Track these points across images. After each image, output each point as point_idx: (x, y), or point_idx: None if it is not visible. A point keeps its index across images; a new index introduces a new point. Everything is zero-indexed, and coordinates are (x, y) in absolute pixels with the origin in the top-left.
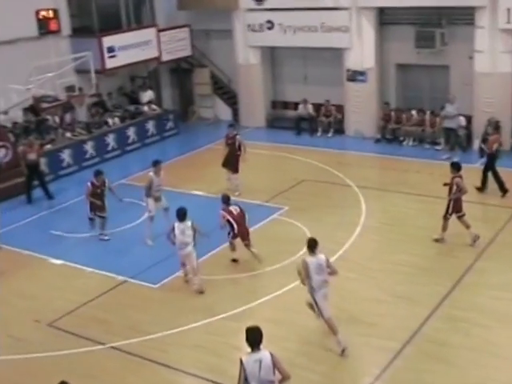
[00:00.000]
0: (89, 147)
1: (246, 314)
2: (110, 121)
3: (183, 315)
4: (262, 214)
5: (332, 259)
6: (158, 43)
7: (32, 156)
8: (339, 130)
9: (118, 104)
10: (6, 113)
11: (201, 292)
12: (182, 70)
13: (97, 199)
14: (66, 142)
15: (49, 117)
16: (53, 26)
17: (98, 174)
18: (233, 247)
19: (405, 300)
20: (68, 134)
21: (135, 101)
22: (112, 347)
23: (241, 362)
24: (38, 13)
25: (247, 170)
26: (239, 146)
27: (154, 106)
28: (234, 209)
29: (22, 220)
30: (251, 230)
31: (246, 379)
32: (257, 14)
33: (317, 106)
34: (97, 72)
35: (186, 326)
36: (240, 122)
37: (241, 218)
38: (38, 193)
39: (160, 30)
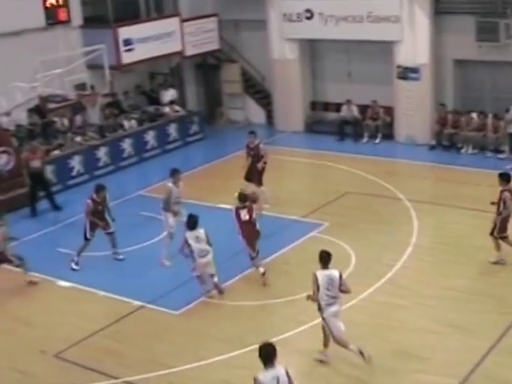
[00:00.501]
0: (102, 154)
1: (279, 346)
2: (126, 124)
3: (208, 346)
4: (299, 231)
5: (379, 283)
6: (182, 35)
7: (36, 163)
8: (388, 135)
9: (136, 104)
10: (8, 114)
11: (221, 292)
12: (208, 66)
13: (98, 218)
14: (75, 148)
15: (56, 119)
16: (62, 15)
17: (100, 189)
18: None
19: (461, 330)
20: (78, 139)
21: (155, 101)
22: (126, 382)
23: (256, 380)
24: (44, 0)
25: (282, 180)
26: (262, 156)
27: (176, 107)
28: (243, 214)
29: (25, 236)
30: (286, 248)
31: None
32: (294, 2)
33: (362, 108)
34: (111, 68)
35: (210, 358)
36: (275, 125)
37: (248, 228)
38: (44, 205)
39: (184, 20)
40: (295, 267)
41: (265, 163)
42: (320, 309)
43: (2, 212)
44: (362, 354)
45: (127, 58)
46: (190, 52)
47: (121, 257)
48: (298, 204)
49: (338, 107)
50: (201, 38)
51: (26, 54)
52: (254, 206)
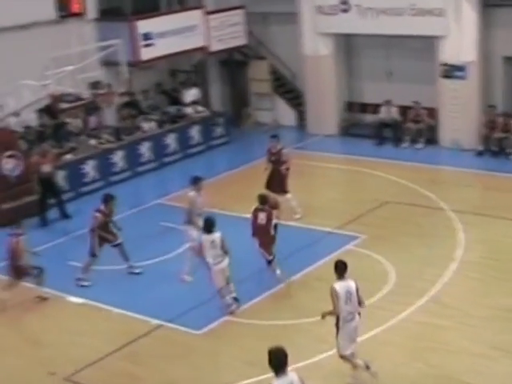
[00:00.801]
0: (118, 158)
1: (310, 368)
2: (144, 125)
3: (232, 369)
4: (333, 244)
5: (420, 301)
6: (206, 29)
7: (46, 168)
8: (431, 139)
9: (155, 105)
10: (16, 114)
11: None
12: (234, 63)
13: (106, 232)
14: (89, 152)
15: (69, 120)
16: (75, 7)
17: (109, 199)
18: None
19: (510, 355)
20: (92, 142)
21: (176, 101)
22: None
23: None
24: None
25: (314, 188)
26: (284, 162)
27: (199, 108)
28: (261, 218)
29: (34, 248)
30: (318, 263)
31: None
32: None
33: (403, 109)
34: (129, 65)
35: (235, 382)
36: (306, 128)
37: (262, 233)
38: (53, 214)
39: (208, 13)
40: (329, 284)
41: (287, 169)
42: (338, 324)
43: (19, 220)
44: (366, 365)
45: (146, 54)
46: (214, 47)
47: (137, 270)
48: (331, 214)
49: (375, 108)
50: (226, 32)
51: (35, 49)
52: (274, 211)
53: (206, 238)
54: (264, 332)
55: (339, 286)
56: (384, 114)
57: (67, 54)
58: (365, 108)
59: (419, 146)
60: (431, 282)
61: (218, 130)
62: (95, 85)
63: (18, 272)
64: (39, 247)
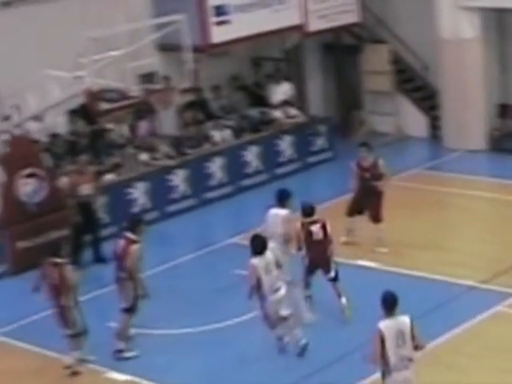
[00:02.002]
0: (179, 180)
1: None
2: (215, 134)
3: None
4: (476, 304)
5: None
6: (303, 1)
7: (86, 189)
8: None
9: (231, 106)
10: (39, 118)
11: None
12: (342, 49)
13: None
14: (139, 171)
15: (112, 126)
16: None
17: (138, 223)
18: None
19: None
20: (144, 157)
21: (260, 101)
22: None
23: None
24: None
25: (450, 224)
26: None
27: (292, 111)
28: (316, 231)
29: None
30: (456, 330)
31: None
32: None
33: None
34: (195, 50)
35: None
36: (442, 140)
37: (319, 250)
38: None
39: None
40: (472, 360)
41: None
42: (384, 376)
43: (64, 246)
44: None
45: (219, 36)
46: (314, 27)
47: (129, 354)
48: (476, 262)
49: None
50: (332, 5)
51: (67, 27)
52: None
53: (259, 263)
54: None
55: (385, 324)
56: None
57: (111, 35)
58: None
59: None
60: None
61: (319, 143)
62: (148, 77)
63: (63, 317)
64: None
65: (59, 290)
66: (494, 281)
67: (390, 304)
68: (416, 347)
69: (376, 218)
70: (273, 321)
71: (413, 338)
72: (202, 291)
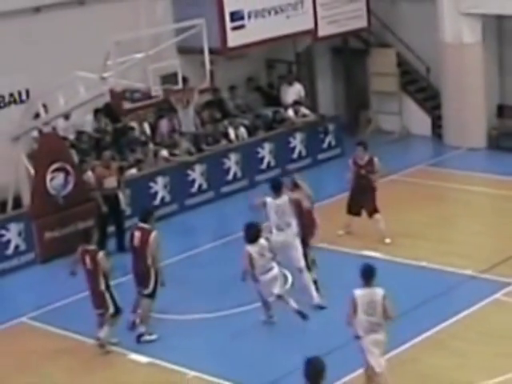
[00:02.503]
0: (197, 175)
1: None
2: (231, 132)
3: None
4: (476, 293)
5: None
6: (314, 7)
7: (111, 182)
8: None
9: (247, 105)
10: (66, 117)
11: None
12: (350, 52)
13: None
14: (160, 166)
15: (134, 124)
16: None
17: (150, 214)
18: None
19: None
20: (164, 153)
21: (273, 101)
22: None
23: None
24: None
25: (452, 218)
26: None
27: (303, 110)
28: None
29: (86, 290)
30: (456, 317)
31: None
32: None
33: None
34: (213, 52)
35: None
36: (444, 138)
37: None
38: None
39: None
40: (470, 344)
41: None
42: (358, 337)
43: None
44: None
45: (235, 39)
46: (324, 31)
47: (150, 337)
48: (475, 253)
49: None
50: (341, 11)
51: (93, 31)
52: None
53: (253, 248)
54: None
55: (359, 293)
56: None
57: (134, 39)
58: None
59: None
60: None
61: (328, 140)
62: (169, 78)
63: (97, 299)
64: None
65: (92, 274)
66: (492, 271)
67: (367, 275)
68: (386, 317)
69: (372, 213)
70: (266, 301)
71: (384, 309)
72: (219, 279)
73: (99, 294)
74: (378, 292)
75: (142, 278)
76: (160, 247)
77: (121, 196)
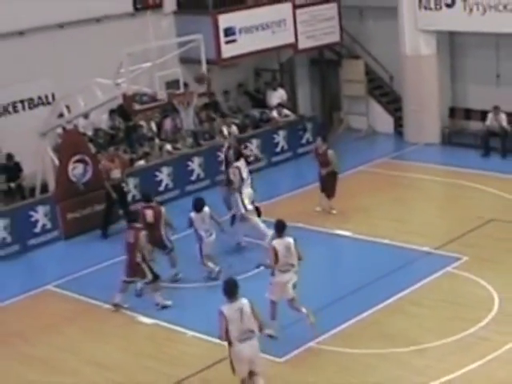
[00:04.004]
0: (195, 165)
1: None
2: (224, 129)
3: None
4: (431, 266)
5: None
6: (295, 24)
7: (116, 173)
8: None
9: (237, 107)
10: (86, 116)
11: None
12: (325, 62)
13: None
14: (164, 158)
15: (143, 122)
16: None
17: (150, 195)
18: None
19: None
20: (168, 147)
21: (260, 103)
22: None
23: (221, 313)
24: None
25: (411, 203)
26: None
27: (285, 111)
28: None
29: (102, 262)
30: (415, 287)
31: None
32: None
33: None
34: (209, 62)
35: None
36: (404, 135)
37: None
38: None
39: (297, 6)
40: (426, 309)
41: (334, 174)
42: (273, 274)
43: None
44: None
45: (228, 51)
46: (303, 45)
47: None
48: (430, 233)
49: (482, 115)
50: (317, 27)
51: (109, 44)
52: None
53: (196, 216)
54: (354, 362)
55: (278, 243)
56: (491, 121)
57: (143, 50)
58: (470, 115)
59: None
60: None
61: (306, 137)
62: (172, 84)
63: (135, 270)
64: (106, 262)
65: (133, 247)
66: (444, 248)
67: (280, 228)
68: (299, 258)
69: (330, 196)
70: (205, 256)
71: (297, 252)
72: (220, 252)
73: (136, 265)
74: (290, 240)
75: (160, 244)
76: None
77: (124, 185)
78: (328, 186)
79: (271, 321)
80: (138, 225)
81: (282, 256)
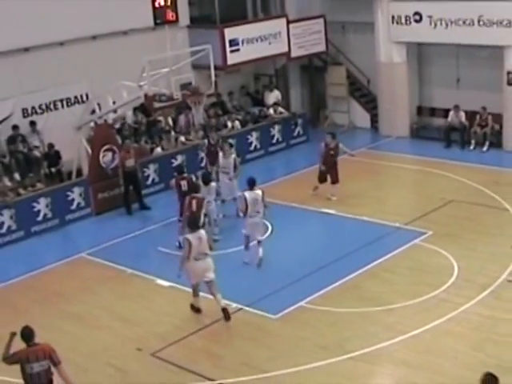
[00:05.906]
0: (204, 154)
1: (377, 355)
2: (229, 124)
3: (304, 352)
4: (402, 239)
5: (482, 295)
6: (288, 36)
7: (130, 162)
8: (496, 143)
9: (240, 105)
10: (114, 111)
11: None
12: (313, 68)
13: None
14: (179, 148)
15: (161, 118)
16: (170, 15)
17: (182, 167)
18: None
19: None
20: (182, 139)
21: (259, 102)
22: None
23: (187, 239)
24: (154, 1)
25: (385, 186)
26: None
27: (280, 109)
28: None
29: (127, 234)
30: (387, 256)
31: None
32: (403, 5)
33: (470, 114)
34: (217, 68)
35: (306, 364)
36: (379, 130)
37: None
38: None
39: (290, 22)
40: (397, 275)
41: (335, 163)
42: (244, 217)
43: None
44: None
45: (232, 59)
46: (295, 53)
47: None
48: (401, 211)
49: (445, 113)
50: (307, 39)
51: (133, 53)
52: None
53: (250, 194)
54: (336, 319)
55: (248, 194)
56: (452, 118)
57: (162, 58)
58: (434, 112)
59: (484, 149)
60: (493, 278)
61: (297, 130)
62: (186, 86)
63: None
64: (131, 234)
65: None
66: (412, 224)
67: (250, 183)
68: (264, 206)
69: (335, 181)
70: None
71: (263, 201)
72: (227, 226)
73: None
74: (259, 192)
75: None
76: None
77: (138, 172)
78: (332, 173)
79: (245, 251)
80: (199, 195)
81: (250, 204)
